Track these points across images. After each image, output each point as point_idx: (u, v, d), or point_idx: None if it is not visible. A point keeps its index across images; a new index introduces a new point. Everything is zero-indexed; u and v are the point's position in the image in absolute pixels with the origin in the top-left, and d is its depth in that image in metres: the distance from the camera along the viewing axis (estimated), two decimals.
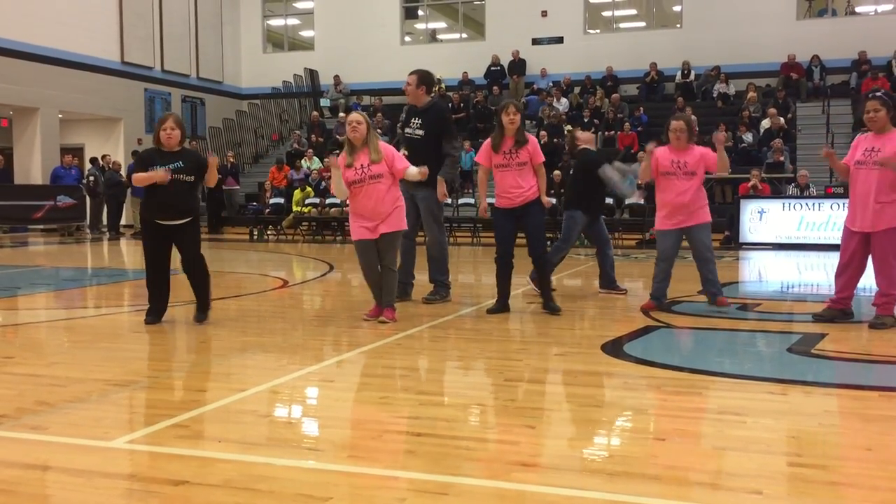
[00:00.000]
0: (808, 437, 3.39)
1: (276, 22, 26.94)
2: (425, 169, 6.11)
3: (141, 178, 5.84)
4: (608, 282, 7.85)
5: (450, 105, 22.13)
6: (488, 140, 6.58)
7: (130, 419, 3.78)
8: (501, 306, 6.61)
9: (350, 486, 2.81)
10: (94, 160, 19.84)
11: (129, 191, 19.26)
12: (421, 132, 7.12)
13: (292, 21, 27.14)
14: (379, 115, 21.43)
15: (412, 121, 7.23)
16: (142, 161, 6.04)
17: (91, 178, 19.06)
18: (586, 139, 8.03)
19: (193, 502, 2.67)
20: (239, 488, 2.76)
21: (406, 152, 7.21)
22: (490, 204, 6.84)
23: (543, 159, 6.59)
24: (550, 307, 6.57)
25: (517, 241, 6.68)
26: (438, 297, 7.22)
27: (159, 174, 5.76)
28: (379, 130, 18.81)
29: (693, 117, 6.82)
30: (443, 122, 7.35)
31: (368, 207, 6.03)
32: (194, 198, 6.06)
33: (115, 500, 2.71)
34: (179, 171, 5.85)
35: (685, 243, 6.75)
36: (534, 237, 6.60)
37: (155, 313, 6.07)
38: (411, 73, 7.24)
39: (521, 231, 6.62)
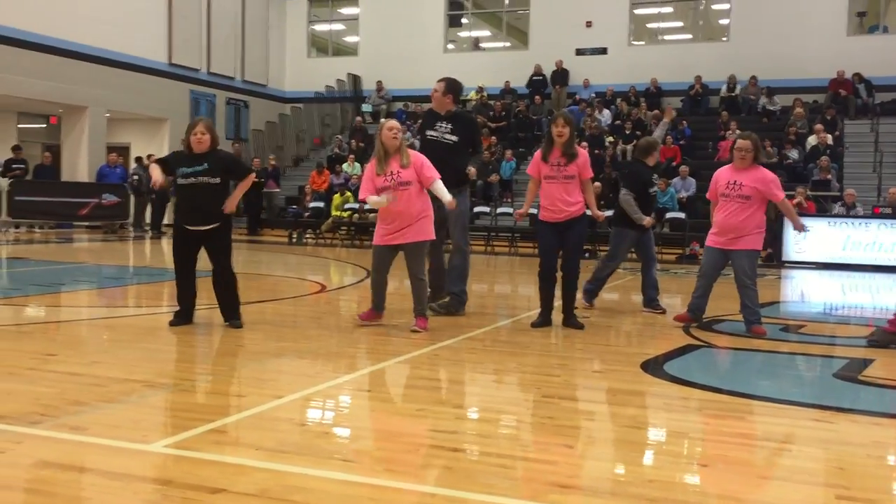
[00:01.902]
0: (856, 468, 3.29)
1: (321, 27, 27.16)
2: (453, 202, 6.12)
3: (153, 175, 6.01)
4: (647, 300, 7.72)
5: (491, 114, 22.11)
6: (538, 151, 6.55)
7: (169, 422, 3.79)
8: (544, 320, 6.54)
9: (386, 502, 2.78)
10: (138, 159, 20.14)
11: (172, 190, 19.53)
12: (454, 138, 7.01)
13: (337, 26, 27.33)
14: (420, 121, 21.48)
15: (438, 124, 7.10)
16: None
17: (135, 177, 19.35)
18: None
19: None
20: (275, 499, 2.75)
21: (427, 155, 7.00)
22: (533, 215, 6.80)
23: (592, 175, 6.52)
24: (572, 323, 6.46)
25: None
26: (444, 311, 6.91)
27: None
28: (418, 137, 18.82)
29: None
30: (476, 132, 7.42)
31: (395, 213, 6.05)
32: (222, 202, 5.93)
33: None
34: (204, 173, 5.86)
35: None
36: (571, 252, 6.52)
37: (181, 316, 6.09)
38: (440, 80, 7.19)
39: (562, 244, 6.54)
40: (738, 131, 19.20)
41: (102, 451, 3.22)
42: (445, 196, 6.06)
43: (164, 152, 21.48)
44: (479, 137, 7.54)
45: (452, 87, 7.18)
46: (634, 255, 8.36)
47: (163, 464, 3.14)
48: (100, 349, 5.44)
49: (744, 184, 6.33)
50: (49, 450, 3.22)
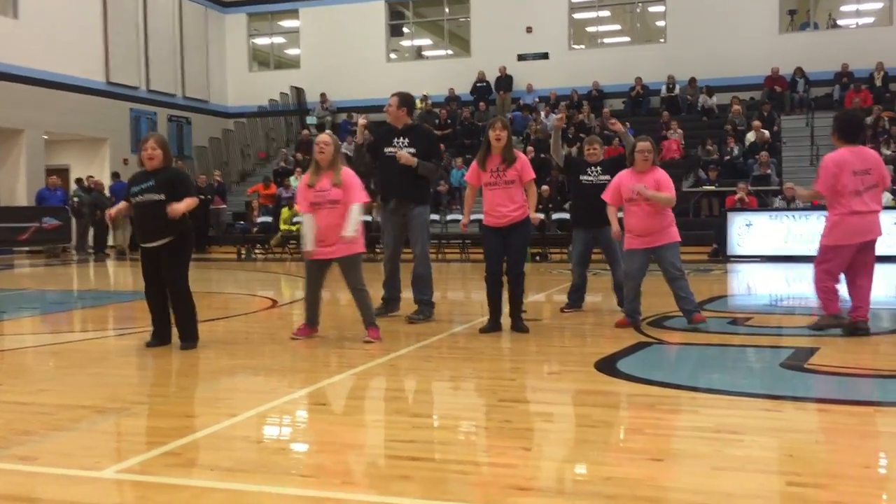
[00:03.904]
0: (806, 454, 3.37)
1: (261, 41, 26.95)
2: (357, 235, 6.00)
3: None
4: (619, 300, 7.37)
5: (436, 121, 22.16)
6: (476, 159, 6.55)
7: (121, 447, 3.72)
8: (493, 325, 6.55)
9: None
10: (79, 181, 19.74)
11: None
12: (413, 150, 7.08)
13: (278, 40, 27.16)
14: (367, 131, 21.42)
15: (396, 140, 7.18)
16: (127, 184, 6.15)
17: (76, 199, 18.95)
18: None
19: None
20: None
21: (387, 172, 7.20)
22: (478, 220, 6.82)
23: (533, 176, 6.51)
24: (518, 326, 6.44)
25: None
26: (422, 317, 7.18)
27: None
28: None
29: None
30: (432, 142, 7.49)
31: (323, 229, 6.01)
32: (167, 217, 5.73)
33: None
34: (149, 190, 5.81)
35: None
36: (515, 256, 6.52)
37: (156, 336, 6.01)
38: (393, 95, 7.31)
39: (506, 249, 6.55)
40: (679, 130, 19.72)
41: (54, 481, 3.14)
42: (349, 227, 5.92)
43: (104, 172, 21.13)
44: (437, 147, 7.66)
45: (406, 100, 7.31)
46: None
47: (117, 490, 3.09)
48: (46, 377, 5.30)
49: (646, 186, 6.47)
50: None
